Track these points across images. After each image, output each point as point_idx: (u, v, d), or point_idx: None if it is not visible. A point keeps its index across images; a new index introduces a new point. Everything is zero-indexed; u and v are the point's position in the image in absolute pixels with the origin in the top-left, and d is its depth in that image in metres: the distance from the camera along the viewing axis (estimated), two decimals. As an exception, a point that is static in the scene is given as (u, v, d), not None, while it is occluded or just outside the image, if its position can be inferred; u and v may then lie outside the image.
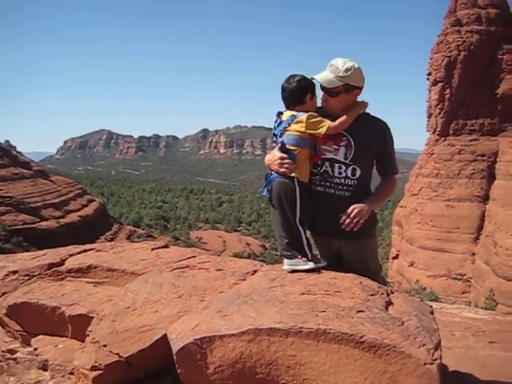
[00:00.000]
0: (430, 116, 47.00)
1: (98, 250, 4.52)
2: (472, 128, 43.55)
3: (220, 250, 68.79)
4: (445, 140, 44.48)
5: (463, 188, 42.16)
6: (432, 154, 45.30)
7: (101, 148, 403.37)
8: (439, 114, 44.72)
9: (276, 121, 3.40)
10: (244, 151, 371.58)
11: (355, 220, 3.25)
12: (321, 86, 3.31)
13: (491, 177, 41.22)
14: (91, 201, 66.02)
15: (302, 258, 3.28)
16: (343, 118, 3.28)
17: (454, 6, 45.58)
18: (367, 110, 3.47)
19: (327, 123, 3.25)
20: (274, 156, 3.30)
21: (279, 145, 3.29)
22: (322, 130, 3.24)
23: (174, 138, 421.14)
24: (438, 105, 44.66)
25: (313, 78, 3.30)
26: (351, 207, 3.27)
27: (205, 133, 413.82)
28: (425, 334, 2.47)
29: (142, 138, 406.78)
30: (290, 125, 3.26)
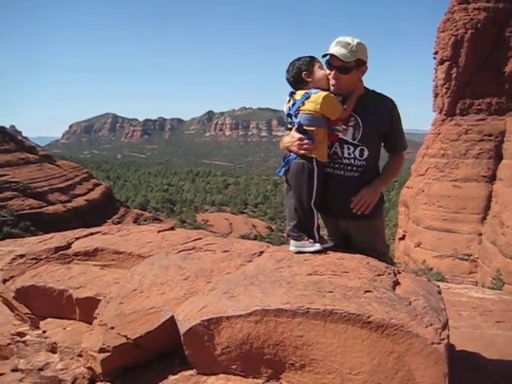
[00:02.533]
0: (436, 96, 46.52)
1: (104, 233, 4.53)
2: (479, 107, 43.07)
3: (226, 232, 68.94)
4: (451, 120, 44.07)
5: (470, 168, 41.88)
6: (439, 134, 44.94)
7: (106, 132, 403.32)
8: (446, 93, 44.24)
9: (289, 101, 3.37)
10: (249, 133, 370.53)
11: (365, 204, 3.25)
12: (329, 64, 3.26)
13: (498, 157, 40.87)
14: (97, 185, 66.16)
15: (308, 239, 3.27)
16: (351, 100, 3.26)
17: (461, -16, 44.89)
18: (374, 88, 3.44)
19: (341, 106, 3.23)
20: (292, 138, 3.27)
21: (296, 126, 3.27)
22: (337, 113, 3.23)
23: (180, 120, 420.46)
24: (444, 84, 44.16)
25: (326, 55, 3.24)
26: (361, 191, 3.27)
27: (210, 115, 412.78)
28: (432, 313, 2.47)
29: (147, 121, 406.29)
30: (303, 103, 3.24)
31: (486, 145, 41.85)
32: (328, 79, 3.31)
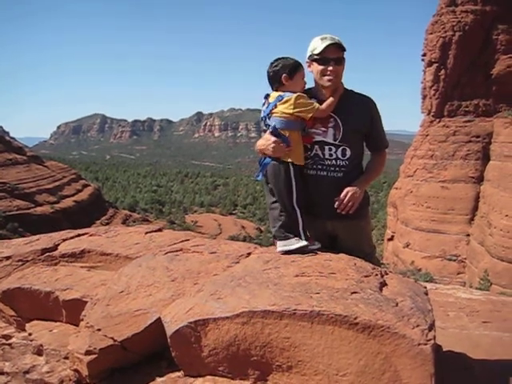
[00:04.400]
0: (424, 97, 46.77)
1: (91, 235, 4.51)
2: (467, 109, 43.35)
3: (215, 233, 68.99)
4: (439, 121, 44.32)
5: (458, 169, 42.14)
6: (427, 135, 45.18)
7: (95, 132, 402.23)
8: (434, 95, 44.49)
9: (264, 103, 3.38)
10: (239, 134, 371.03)
11: (350, 204, 3.25)
12: (324, 59, 3.25)
13: (486, 158, 41.17)
14: (86, 186, 65.93)
15: (294, 238, 3.29)
16: (330, 100, 3.27)
17: (450, -14, 45.19)
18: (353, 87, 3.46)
19: (315, 105, 3.24)
20: (267, 140, 3.27)
21: (270, 129, 3.27)
22: (310, 112, 3.23)
23: (169, 121, 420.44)
24: (432, 86, 44.40)
25: (343, 48, 3.26)
26: (344, 191, 3.27)
27: (199, 116, 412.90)
28: (419, 314, 2.48)
29: (136, 121, 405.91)
30: (276, 106, 3.25)
31: (474, 146, 42.14)
32: (304, 88, 3.37)
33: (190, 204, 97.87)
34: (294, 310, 2.47)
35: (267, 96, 3.37)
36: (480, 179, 41.08)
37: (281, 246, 3.31)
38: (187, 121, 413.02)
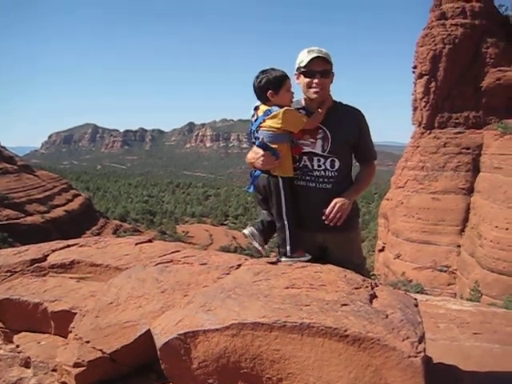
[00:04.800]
0: (415, 109, 47.20)
1: (81, 246, 4.48)
2: (457, 121, 43.78)
3: (207, 243, 68.92)
4: (430, 133, 44.70)
5: (448, 180, 42.46)
6: (418, 146, 45.53)
7: (86, 142, 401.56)
8: (424, 106, 44.89)
9: (253, 115, 3.39)
10: (230, 145, 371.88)
11: (338, 215, 3.26)
12: (310, 72, 3.28)
13: (476, 169, 41.55)
14: (77, 195, 65.73)
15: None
16: (317, 113, 3.30)
17: (439, 0, 45.77)
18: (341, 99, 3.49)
19: (303, 118, 3.26)
20: (256, 154, 3.29)
21: (258, 142, 3.29)
22: (298, 126, 3.26)
23: (160, 131, 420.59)
24: (423, 98, 44.82)
25: (328, 61, 3.30)
26: (333, 202, 3.28)
27: (191, 126, 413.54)
28: (409, 326, 2.47)
29: (127, 131, 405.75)
30: (264, 120, 3.25)
31: (464, 158, 42.51)
32: (291, 99, 3.38)
33: (181, 214, 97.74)
34: (284, 322, 2.46)
35: (257, 108, 3.37)
36: (470, 190, 41.42)
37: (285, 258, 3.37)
38: (179, 131, 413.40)
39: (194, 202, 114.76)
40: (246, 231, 3.46)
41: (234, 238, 77.26)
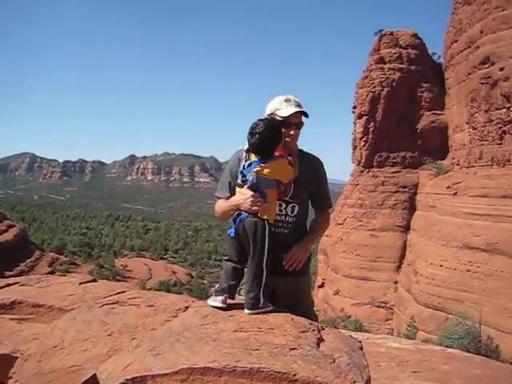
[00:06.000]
0: (355, 148, 48.56)
1: (22, 284, 4.34)
2: (394, 161, 45.34)
3: (146, 277, 67.53)
4: (369, 171, 46.00)
5: (386, 218, 43.59)
6: (357, 184, 46.68)
7: (23, 171, 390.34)
8: (364, 146, 46.28)
9: (245, 157, 3.41)
10: (172, 178, 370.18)
11: (297, 261, 3.36)
12: (288, 122, 3.38)
13: (412, 207, 42.90)
14: (11, 226, 63.14)
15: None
16: (294, 159, 3.41)
17: (378, 45, 47.78)
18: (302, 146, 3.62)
19: (293, 170, 3.37)
20: (245, 195, 3.31)
21: (248, 184, 3.31)
22: (289, 178, 3.37)
23: (101, 163, 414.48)
24: (362, 137, 46.25)
25: (305, 114, 3.42)
26: (292, 249, 3.38)
27: (132, 159, 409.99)
28: (355, 370, 2.53)
29: (67, 162, 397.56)
30: (261, 167, 3.28)
31: (401, 196, 43.88)
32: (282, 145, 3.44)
33: (120, 248, 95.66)
34: (234, 366, 2.47)
35: (248, 150, 3.39)
36: (407, 228, 42.64)
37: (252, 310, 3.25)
38: (120, 163, 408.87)
39: (133, 235, 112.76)
40: (217, 304, 3.34)
41: (173, 272, 76.13)
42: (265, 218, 3.29)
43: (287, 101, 3.40)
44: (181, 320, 3.19)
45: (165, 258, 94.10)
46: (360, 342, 3.17)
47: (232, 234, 3.38)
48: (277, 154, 3.35)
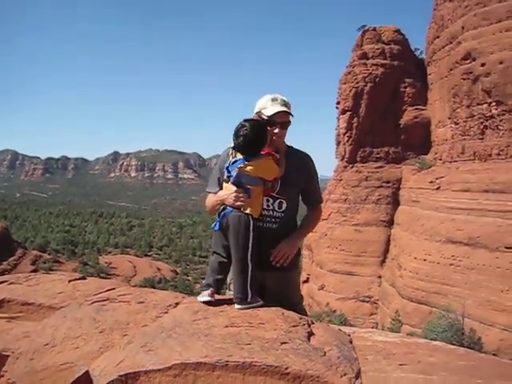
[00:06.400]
0: (338, 143, 48.74)
1: (11, 283, 4.32)
2: (378, 156, 45.59)
3: (130, 274, 67.35)
4: (353, 167, 46.21)
5: (370, 213, 43.85)
6: (341, 180, 46.88)
7: (5, 169, 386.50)
8: (347, 141, 46.46)
9: (232, 153, 3.45)
10: (155, 175, 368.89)
11: (285, 256, 3.39)
12: (272, 121, 3.41)
13: (396, 202, 43.21)
14: (-7, 224, 62.52)
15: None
16: (280, 157, 3.44)
17: (361, 40, 47.92)
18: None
19: (278, 168, 3.39)
20: (229, 190, 3.37)
21: (232, 180, 3.37)
22: (274, 175, 3.40)
23: (84, 160, 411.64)
24: (346, 133, 46.43)
25: (290, 113, 3.45)
26: (280, 244, 3.41)
27: (115, 155, 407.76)
28: (346, 363, 2.58)
29: (49, 159, 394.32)
30: (245, 165, 3.32)
31: (385, 191, 44.15)
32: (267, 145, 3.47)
33: (104, 245, 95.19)
34: (226, 361, 2.50)
35: (235, 148, 3.43)
36: (391, 223, 42.92)
37: (241, 305, 3.29)
38: (103, 160, 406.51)
39: (117, 232, 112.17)
40: (205, 298, 3.40)
41: (158, 269, 75.99)
42: (248, 212, 3.33)
43: (274, 100, 3.43)
44: (172, 316, 3.21)
45: (149, 255, 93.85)
46: (349, 335, 3.22)
47: (216, 228, 3.43)
48: (263, 151, 3.39)
